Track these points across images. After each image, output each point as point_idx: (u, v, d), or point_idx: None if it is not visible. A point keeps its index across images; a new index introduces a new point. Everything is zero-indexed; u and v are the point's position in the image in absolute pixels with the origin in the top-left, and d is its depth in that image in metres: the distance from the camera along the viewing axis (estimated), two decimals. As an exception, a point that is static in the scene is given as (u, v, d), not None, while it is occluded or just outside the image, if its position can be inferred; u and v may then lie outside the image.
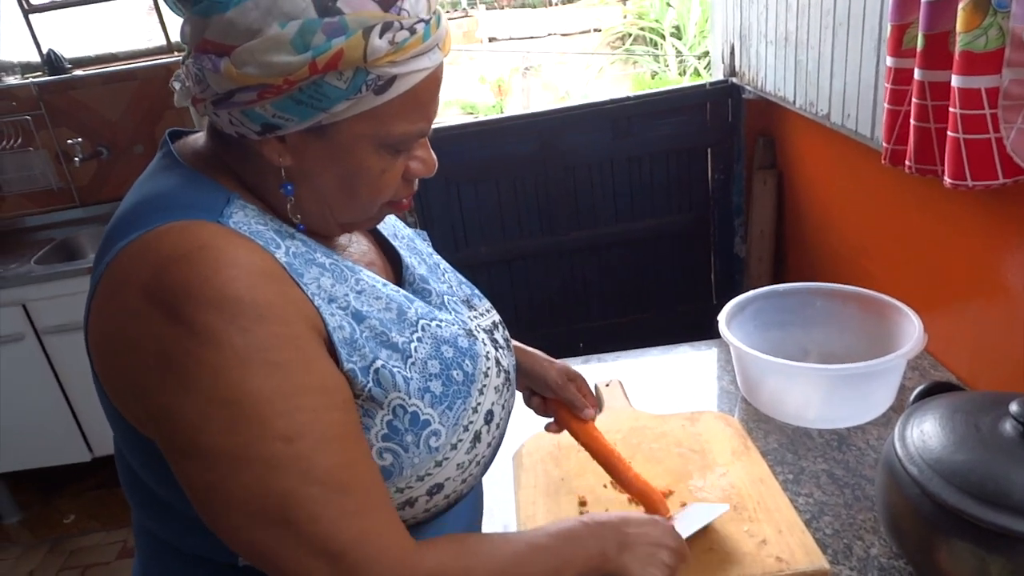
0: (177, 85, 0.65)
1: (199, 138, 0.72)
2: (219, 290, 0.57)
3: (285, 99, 0.60)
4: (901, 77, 1.12)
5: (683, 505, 1.01)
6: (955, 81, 0.95)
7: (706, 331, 2.06)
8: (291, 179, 0.66)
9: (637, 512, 0.83)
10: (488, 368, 0.76)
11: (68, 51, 2.71)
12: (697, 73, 5.06)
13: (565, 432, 1.19)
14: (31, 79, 2.65)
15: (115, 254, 0.61)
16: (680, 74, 5.36)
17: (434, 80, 0.65)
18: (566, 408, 1.00)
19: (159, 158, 0.70)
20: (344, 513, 0.60)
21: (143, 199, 0.65)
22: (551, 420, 1.03)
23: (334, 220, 0.71)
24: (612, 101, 2.26)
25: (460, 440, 0.71)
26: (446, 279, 0.85)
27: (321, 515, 0.59)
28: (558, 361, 1.03)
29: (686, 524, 0.91)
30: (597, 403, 1.04)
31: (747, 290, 1.34)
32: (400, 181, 0.70)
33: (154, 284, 0.58)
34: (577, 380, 1.01)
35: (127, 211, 0.65)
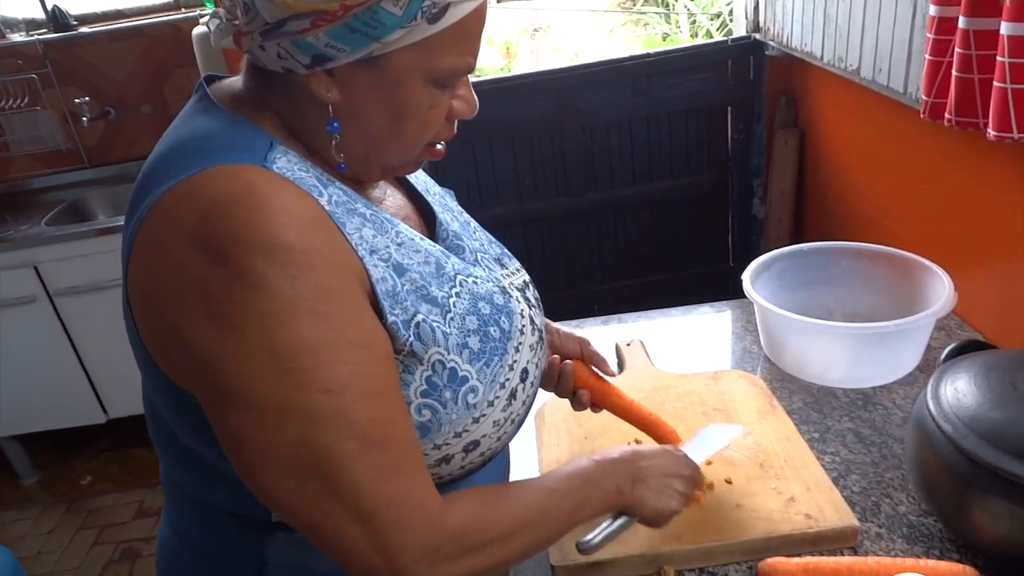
0: (213, 24, 0.63)
1: (236, 81, 0.70)
2: (269, 236, 0.56)
3: (339, 27, 0.58)
4: (944, 27, 1.08)
5: (708, 464, 1.00)
6: (1004, 28, 0.92)
7: (722, 293, 2.04)
8: (337, 116, 0.65)
9: (649, 446, 0.84)
10: (523, 326, 0.75)
11: (73, 7, 2.66)
12: (709, 34, 4.96)
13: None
14: (36, 36, 2.60)
15: (158, 197, 0.59)
16: (692, 36, 5.26)
17: (482, 12, 0.64)
18: (588, 369, 0.98)
19: (194, 101, 0.68)
20: (380, 470, 0.59)
21: (182, 141, 0.64)
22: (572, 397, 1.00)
23: (377, 161, 0.69)
24: (631, 58, 2.21)
25: (497, 397, 0.70)
26: (477, 237, 0.84)
27: (357, 471, 0.58)
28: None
29: (700, 449, 0.91)
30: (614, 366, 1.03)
31: (764, 252, 1.32)
32: (443, 121, 0.69)
33: (201, 228, 0.56)
34: (585, 341, 1.00)
35: (165, 153, 0.63)
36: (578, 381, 0.96)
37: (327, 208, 0.62)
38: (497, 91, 2.23)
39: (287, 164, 0.63)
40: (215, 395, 0.58)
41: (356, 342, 0.59)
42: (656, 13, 5.41)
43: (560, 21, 5.77)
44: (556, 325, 1.00)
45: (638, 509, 0.78)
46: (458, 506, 0.64)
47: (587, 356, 0.97)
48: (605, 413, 1.11)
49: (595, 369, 0.97)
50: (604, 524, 0.79)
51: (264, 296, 0.56)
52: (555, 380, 0.97)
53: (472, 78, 0.71)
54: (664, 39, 5.36)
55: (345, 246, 0.62)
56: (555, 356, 0.97)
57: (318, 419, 0.57)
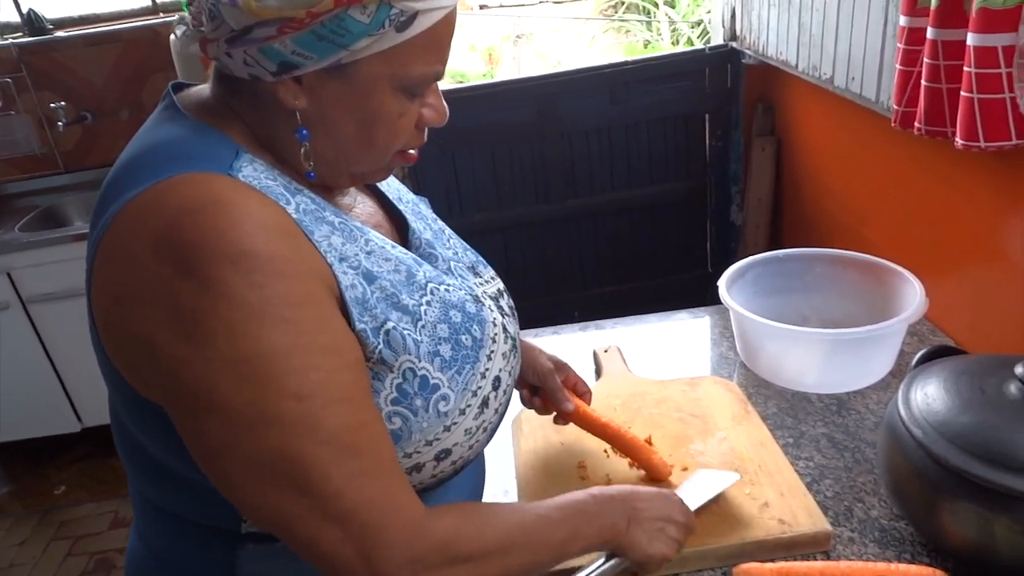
0: (179, 30, 0.62)
1: (203, 89, 0.69)
2: (235, 245, 0.56)
3: (306, 34, 0.58)
4: (914, 37, 1.10)
5: (684, 469, 1.01)
6: (971, 39, 0.93)
7: (701, 300, 2.05)
8: (306, 124, 0.64)
9: (646, 487, 0.83)
10: (496, 334, 0.75)
11: (49, 11, 2.63)
12: (690, 42, 5.00)
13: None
14: (11, 40, 2.57)
15: (122, 205, 0.58)
16: (673, 43, 5.30)
17: (451, 20, 0.64)
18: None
19: (161, 109, 0.68)
20: (355, 475, 0.58)
21: (147, 149, 0.63)
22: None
23: (347, 169, 0.69)
24: (610, 66, 2.22)
25: (468, 405, 0.70)
26: (451, 245, 0.83)
27: (332, 476, 0.57)
28: (547, 351, 1.02)
29: (694, 495, 0.91)
30: (587, 389, 1.03)
31: (742, 258, 1.33)
32: (413, 129, 0.69)
33: (166, 237, 0.56)
34: (564, 369, 1.00)
35: (130, 161, 0.63)
36: (548, 408, 0.99)
37: (295, 216, 0.62)
38: (476, 98, 2.24)
39: (253, 172, 0.62)
40: (185, 405, 0.58)
41: (326, 348, 0.59)
42: (637, 21, 5.46)
43: (543, 28, 5.80)
44: (529, 343, 1.00)
45: (630, 551, 0.77)
46: (443, 517, 0.64)
47: (548, 391, 0.97)
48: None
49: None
50: (596, 564, 0.79)
51: (231, 305, 0.55)
52: (526, 405, 1.00)
53: (452, 85, 0.71)
54: (645, 46, 5.40)
55: (313, 253, 0.62)
56: (523, 391, 0.99)
57: (290, 426, 0.56)
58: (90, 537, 2.39)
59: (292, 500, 0.57)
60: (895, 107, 1.18)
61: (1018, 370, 0.82)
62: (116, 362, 0.62)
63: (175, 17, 0.64)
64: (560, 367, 1.00)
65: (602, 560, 0.79)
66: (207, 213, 0.56)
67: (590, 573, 0.78)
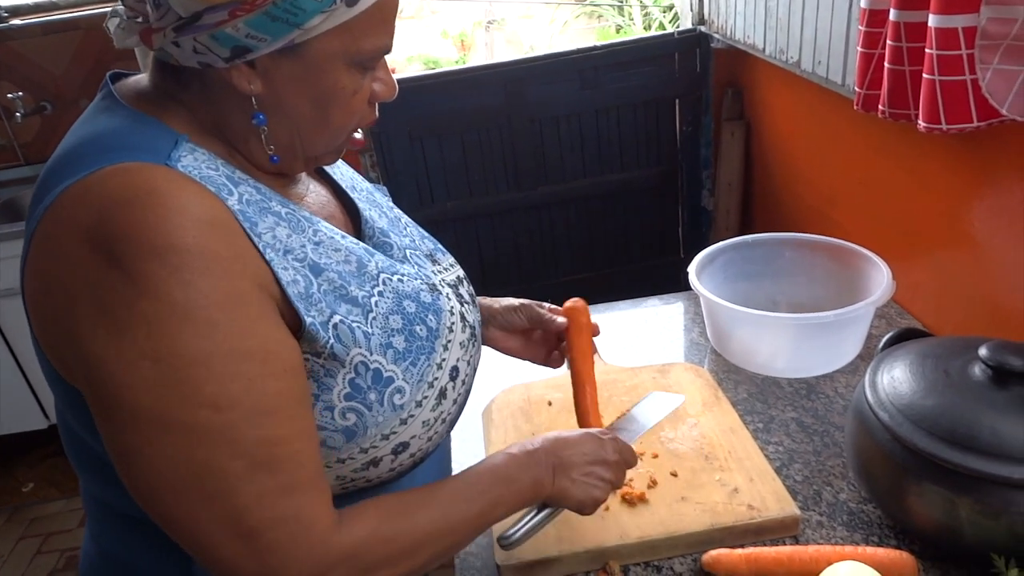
0: (115, 22, 0.60)
1: (142, 79, 0.67)
2: (164, 238, 0.54)
3: (259, 16, 0.56)
4: (876, 19, 1.10)
5: (655, 457, 1.00)
6: (932, 20, 0.93)
7: (673, 284, 2.06)
8: (261, 108, 0.63)
9: (574, 431, 0.80)
10: (453, 323, 0.74)
11: (3, -1, 2.55)
12: (662, 27, 4.99)
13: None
14: (-36, 29, 2.49)
15: (55, 197, 0.56)
16: (645, 28, 5.29)
17: None
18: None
19: (98, 100, 0.66)
20: (266, 491, 0.57)
21: (83, 140, 0.61)
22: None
23: (302, 152, 0.68)
24: (579, 51, 2.21)
25: (425, 397, 0.69)
26: (408, 233, 0.82)
27: (241, 491, 0.56)
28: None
29: (635, 427, 0.89)
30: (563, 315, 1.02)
31: (714, 243, 1.33)
32: (366, 106, 0.68)
33: (97, 229, 0.54)
34: (526, 305, 0.99)
35: (65, 153, 0.61)
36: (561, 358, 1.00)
37: (237, 207, 0.60)
38: (445, 85, 2.21)
39: (193, 162, 0.60)
40: (101, 402, 0.56)
41: (252, 354, 0.57)
42: (609, 5, 5.43)
43: (514, 14, 5.74)
44: (485, 300, 0.98)
45: (560, 501, 0.76)
46: (355, 523, 0.62)
47: (533, 320, 0.99)
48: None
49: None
50: (527, 517, 0.78)
51: (155, 301, 0.53)
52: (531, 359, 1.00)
53: (421, 71, 0.70)
54: (618, 31, 5.37)
55: (249, 250, 0.60)
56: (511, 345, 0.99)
57: (204, 436, 0.55)
58: (60, 534, 2.35)
59: (198, 510, 0.56)
60: (857, 90, 1.18)
61: (982, 352, 0.82)
62: (48, 355, 0.60)
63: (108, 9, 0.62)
64: (523, 306, 0.99)
65: (533, 512, 0.78)
66: (138, 205, 0.54)
67: (522, 528, 0.76)
